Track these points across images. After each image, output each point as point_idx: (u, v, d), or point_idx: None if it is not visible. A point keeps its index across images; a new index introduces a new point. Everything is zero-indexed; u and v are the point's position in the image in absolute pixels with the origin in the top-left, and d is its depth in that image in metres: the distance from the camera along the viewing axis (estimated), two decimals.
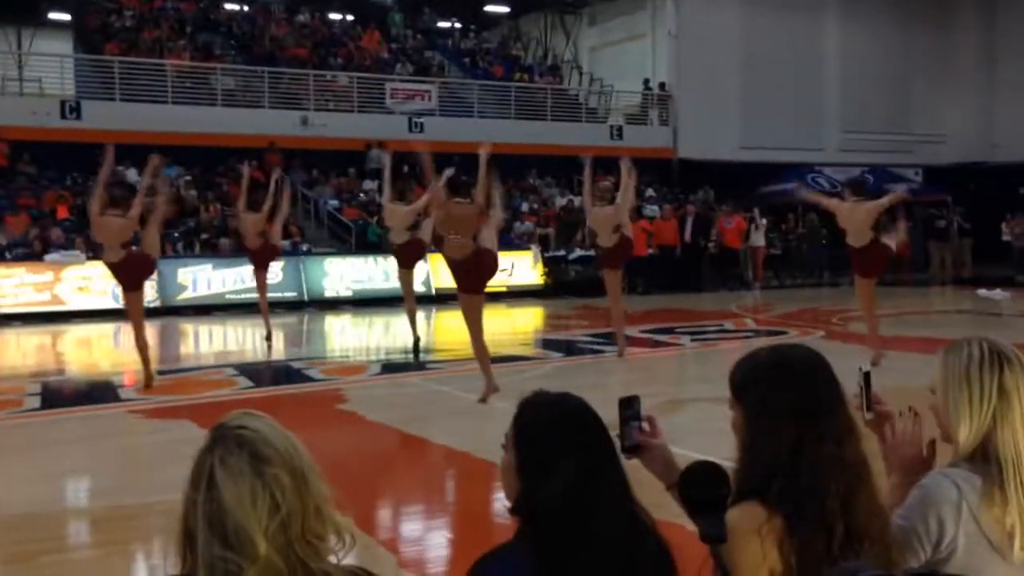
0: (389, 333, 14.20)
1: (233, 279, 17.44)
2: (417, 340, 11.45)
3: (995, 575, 1.96)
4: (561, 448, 1.92)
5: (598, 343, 12.39)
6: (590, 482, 1.90)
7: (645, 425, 2.20)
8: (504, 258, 19.76)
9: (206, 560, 1.56)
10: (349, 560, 1.72)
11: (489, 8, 31.85)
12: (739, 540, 1.85)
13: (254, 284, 17.44)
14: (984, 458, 2.03)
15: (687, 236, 21.32)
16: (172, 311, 16.59)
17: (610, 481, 1.93)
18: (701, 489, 1.80)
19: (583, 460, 1.91)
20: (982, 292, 18.45)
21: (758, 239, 21.85)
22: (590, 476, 1.90)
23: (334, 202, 21.11)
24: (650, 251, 20.68)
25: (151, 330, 15.13)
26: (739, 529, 1.85)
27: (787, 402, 1.95)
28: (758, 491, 1.90)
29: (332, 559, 1.66)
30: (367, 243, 19.69)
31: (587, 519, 1.87)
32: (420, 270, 18.91)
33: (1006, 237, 23.59)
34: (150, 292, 16.72)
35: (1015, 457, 2.01)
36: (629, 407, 2.19)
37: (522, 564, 1.84)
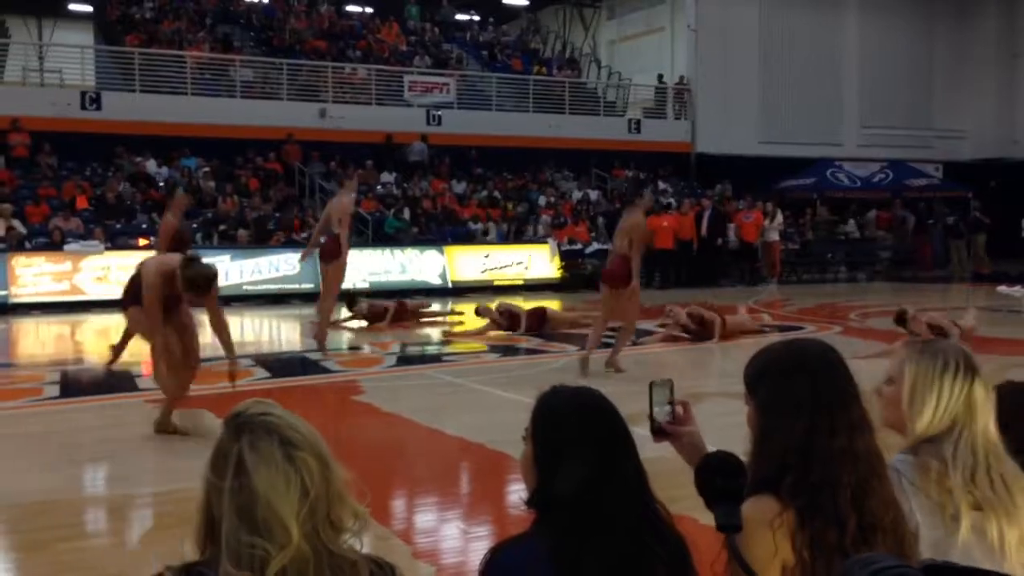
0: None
1: (251, 270, 17.51)
2: None
3: (954, 542, 2.02)
4: (577, 440, 1.93)
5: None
6: (606, 475, 1.90)
7: (679, 409, 2.20)
8: (521, 251, 19.86)
9: (231, 547, 1.56)
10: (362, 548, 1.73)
11: (508, 1, 31.82)
12: (752, 533, 1.85)
13: (272, 275, 17.61)
14: (927, 442, 2.16)
15: (703, 231, 21.27)
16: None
17: (626, 474, 1.93)
18: (718, 479, 1.80)
19: (599, 453, 1.92)
20: (1002, 289, 18.32)
21: (772, 234, 21.76)
22: (606, 469, 1.91)
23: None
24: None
25: None
26: (752, 522, 1.85)
27: (799, 395, 1.96)
28: (771, 484, 1.90)
29: (355, 543, 1.68)
30: (384, 235, 19.73)
31: (602, 511, 1.87)
32: (437, 263, 19.02)
33: None
34: None
35: (954, 456, 2.12)
36: (661, 391, 2.20)
37: (537, 554, 1.85)
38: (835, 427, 1.92)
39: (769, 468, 1.93)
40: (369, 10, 29.50)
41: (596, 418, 1.97)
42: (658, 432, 2.19)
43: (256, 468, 1.58)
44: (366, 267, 18.34)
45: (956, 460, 2.10)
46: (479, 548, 4.27)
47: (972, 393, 2.16)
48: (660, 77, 27.28)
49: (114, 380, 9.57)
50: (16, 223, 17.04)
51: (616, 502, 1.89)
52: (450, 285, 18.57)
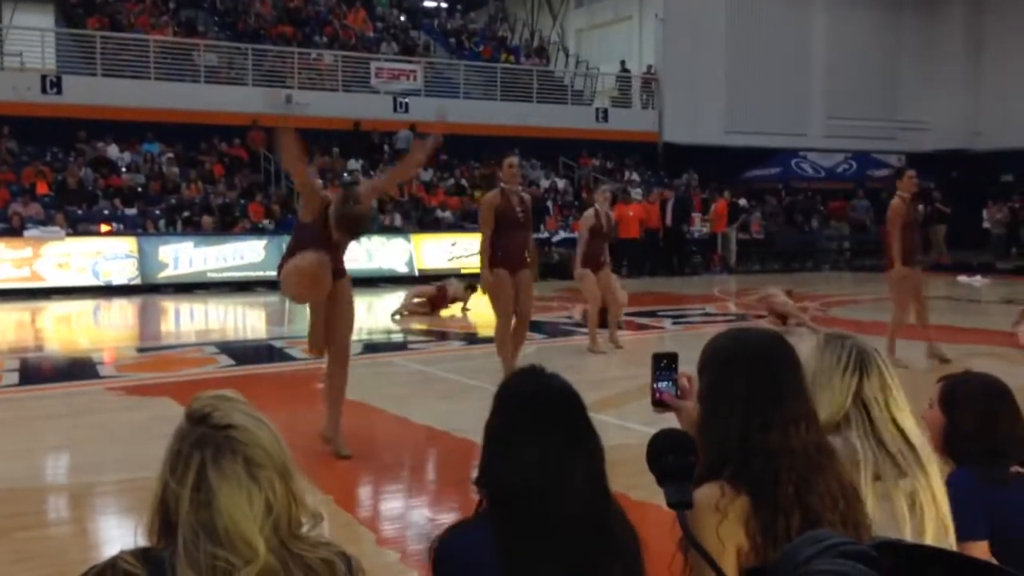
0: (371, 313, 14.17)
1: (215, 257, 17.37)
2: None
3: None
4: (529, 431, 1.90)
5: (579, 325, 12.40)
6: (556, 465, 1.87)
7: (684, 381, 2.20)
8: None
9: (191, 554, 1.53)
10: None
11: None
12: (704, 520, 1.84)
13: (236, 262, 17.46)
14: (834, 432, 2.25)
15: (668, 220, 21.38)
16: (153, 289, 16.53)
17: (579, 466, 1.89)
18: (669, 456, 1.79)
19: (552, 449, 1.88)
20: (962, 279, 18.58)
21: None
22: (558, 459, 1.87)
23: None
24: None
25: (131, 307, 15.10)
26: (703, 509, 1.84)
27: (735, 387, 1.93)
28: (715, 473, 1.90)
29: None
30: None
31: (550, 502, 1.84)
32: (403, 250, 18.95)
33: (987, 224, 23.73)
34: (130, 269, 16.67)
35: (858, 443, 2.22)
36: (663, 363, 2.20)
37: (487, 544, 1.83)
38: (769, 423, 1.89)
39: (709, 458, 1.91)
40: None
41: (555, 411, 1.93)
42: (659, 404, 2.20)
43: (219, 487, 1.55)
44: None
45: (859, 447, 2.19)
46: None
47: (862, 387, 2.25)
48: (623, 64, 27.27)
49: (74, 368, 9.46)
50: None
51: (565, 493, 1.86)
52: (416, 273, 18.51)
